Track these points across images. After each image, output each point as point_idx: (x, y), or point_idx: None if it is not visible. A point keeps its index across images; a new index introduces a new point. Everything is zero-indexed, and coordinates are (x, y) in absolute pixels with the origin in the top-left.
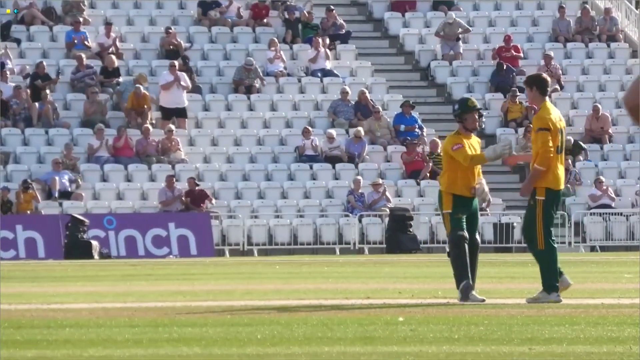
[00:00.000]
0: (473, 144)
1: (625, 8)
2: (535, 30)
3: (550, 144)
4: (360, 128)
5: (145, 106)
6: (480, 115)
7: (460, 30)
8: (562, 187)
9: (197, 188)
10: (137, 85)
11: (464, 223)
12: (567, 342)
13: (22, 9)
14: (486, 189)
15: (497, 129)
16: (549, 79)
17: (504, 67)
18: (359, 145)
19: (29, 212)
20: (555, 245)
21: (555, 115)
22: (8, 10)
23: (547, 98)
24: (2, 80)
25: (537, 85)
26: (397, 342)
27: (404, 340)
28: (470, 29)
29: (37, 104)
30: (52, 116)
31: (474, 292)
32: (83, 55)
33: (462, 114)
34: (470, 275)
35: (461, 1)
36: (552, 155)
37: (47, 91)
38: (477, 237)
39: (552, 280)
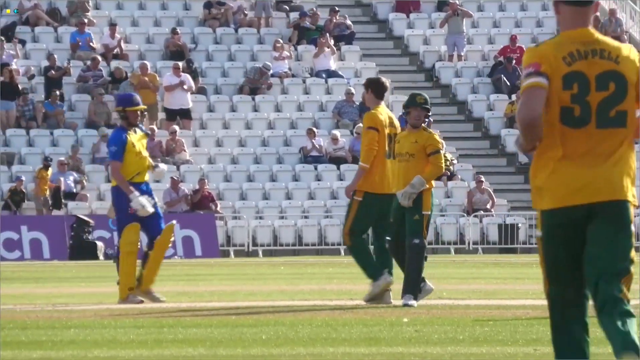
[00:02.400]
0: (409, 140)
1: (630, 9)
2: (539, 31)
3: (377, 144)
4: (362, 125)
5: (152, 83)
6: (427, 116)
7: (463, 25)
8: (388, 191)
9: (205, 189)
10: (143, 62)
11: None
12: None
13: (27, 9)
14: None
15: (502, 129)
16: (387, 84)
17: (507, 66)
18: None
19: (47, 192)
20: (363, 239)
21: (386, 120)
22: (8, 11)
23: (382, 102)
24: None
25: (373, 88)
26: (401, 343)
27: (409, 341)
28: (473, 14)
29: (45, 106)
30: (64, 118)
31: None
32: (98, 57)
33: (407, 107)
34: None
35: (466, 2)
36: (375, 153)
37: (57, 92)
38: (415, 239)
39: (371, 271)
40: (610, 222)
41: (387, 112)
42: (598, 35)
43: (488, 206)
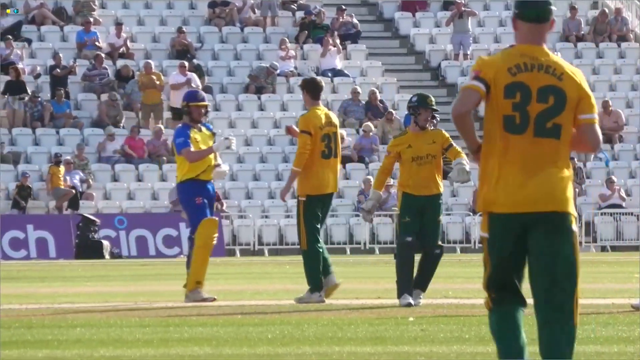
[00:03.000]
0: (425, 141)
1: (636, 8)
2: None
3: (309, 147)
4: (369, 123)
5: (158, 82)
6: (434, 117)
7: (469, 25)
8: (329, 191)
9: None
10: (147, 61)
11: (411, 227)
12: (578, 342)
13: (33, 9)
14: (465, 168)
15: None
16: (322, 84)
17: None
18: (369, 141)
19: (62, 185)
20: (320, 247)
21: (323, 121)
22: (8, 11)
23: (319, 103)
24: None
25: (308, 88)
26: (407, 342)
27: (415, 340)
28: (478, 13)
29: (52, 107)
30: (71, 118)
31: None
32: (103, 55)
33: (417, 107)
34: (411, 285)
35: (472, 1)
36: (307, 157)
37: (62, 91)
38: (438, 249)
39: (314, 280)
40: (552, 235)
41: (324, 112)
42: (549, 53)
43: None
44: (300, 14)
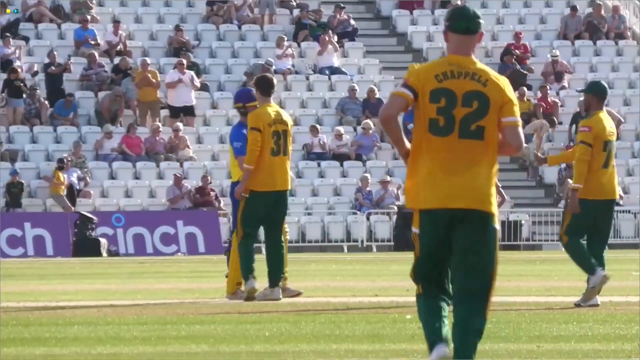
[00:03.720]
0: None
1: (634, 6)
2: (543, 27)
3: (259, 144)
4: (369, 121)
5: (154, 80)
6: None
7: None
8: (277, 188)
9: (208, 187)
10: (144, 59)
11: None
12: (575, 340)
13: (31, 6)
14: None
15: None
16: (274, 81)
17: (512, 64)
18: (369, 139)
19: (62, 193)
20: (248, 244)
21: (272, 118)
22: (8, 10)
23: (270, 99)
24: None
25: (259, 85)
26: (405, 340)
27: (412, 338)
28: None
29: (56, 110)
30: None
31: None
32: (95, 53)
33: None
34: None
35: (469, 0)
36: (257, 154)
37: (72, 97)
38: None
39: (245, 275)
40: (473, 233)
41: (275, 109)
42: (476, 62)
43: (497, 199)
44: (297, 12)
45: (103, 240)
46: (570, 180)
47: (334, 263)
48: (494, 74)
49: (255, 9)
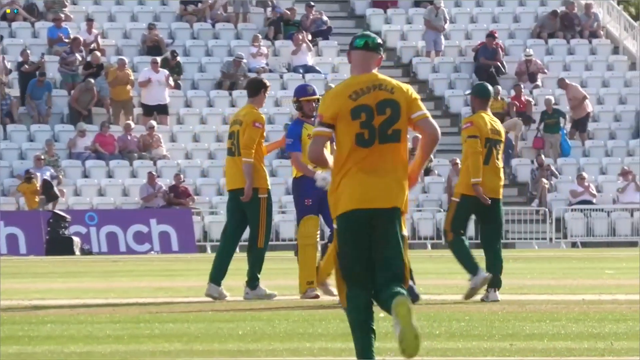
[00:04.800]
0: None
1: (607, 5)
2: (516, 26)
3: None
4: None
5: (129, 82)
6: (317, 100)
7: (444, 22)
8: (229, 187)
9: (181, 185)
10: (120, 57)
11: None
12: (548, 338)
13: (4, 5)
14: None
15: None
16: (262, 82)
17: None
18: None
19: (37, 204)
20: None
21: (232, 118)
22: (8, 10)
23: (255, 100)
24: None
25: (246, 88)
26: (378, 338)
27: (385, 336)
28: (450, 22)
29: (37, 107)
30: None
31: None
32: (67, 55)
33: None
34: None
35: None
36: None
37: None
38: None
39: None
40: (386, 225)
41: (241, 109)
42: (379, 75)
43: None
44: (271, 10)
45: (76, 239)
46: (544, 180)
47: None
48: (396, 81)
49: (229, 7)
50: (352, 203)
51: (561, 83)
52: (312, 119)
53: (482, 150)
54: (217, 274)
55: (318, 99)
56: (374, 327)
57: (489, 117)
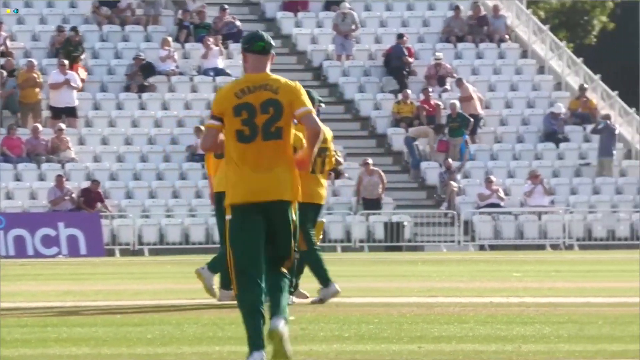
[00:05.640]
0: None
1: (516, 8)
2: (426, 30)
3: None
4: None
5: (38, 86)
6: (319, 111)
7: (353, 26)
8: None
9: (95, 190)
10: (30, 60)
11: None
12: (456, 341)
13: None
14: None
15: (388, 128)
16: None
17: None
18: None
19: None
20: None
21: None
22: (8, 10)
23: None
24: None
25: None
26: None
27: (295, 339)
28: (360, 26)
29: None
30: None
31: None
32: None
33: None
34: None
35: (353, 1)
36: None
37: None
38: None
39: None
40: (277, 218)
41: None
42: (270, 75)
43: (379, 189)
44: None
45: None
46: (453, 183)
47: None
48: (285, 81)
49: (137, 10)
50: (243, 196)
51: (458, 82)
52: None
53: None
54: (227, 280)
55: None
56: (264, 313)
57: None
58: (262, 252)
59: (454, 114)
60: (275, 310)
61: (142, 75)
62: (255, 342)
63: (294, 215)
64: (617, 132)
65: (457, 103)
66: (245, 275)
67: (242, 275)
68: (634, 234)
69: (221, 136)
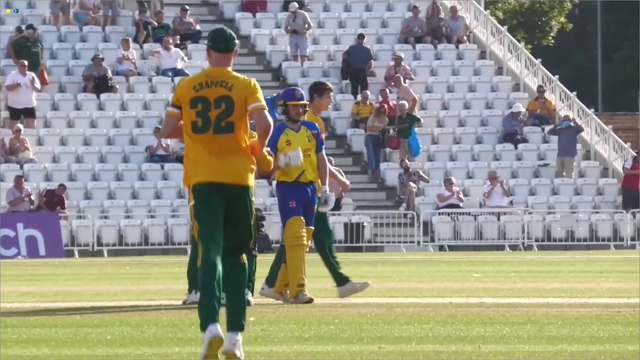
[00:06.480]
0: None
1: (474, 9)
2: (384, 31)
3: None
4: None
5: None
6: (304, 106)
7: (306, 26)
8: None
9: (61, 195)
10: None
11: None
12: (416, 341)
13: None
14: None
15: (348, 129)
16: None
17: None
18: None
19: None
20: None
21: None
22: (8, 10)
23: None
24: None
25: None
26: (248, 342)
27: (255, 340)
28: (312, 25)
29: None
30: None
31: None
32: None
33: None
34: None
35: (312, 2)
36: None
37: None
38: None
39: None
40: (236, 201)
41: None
42: (229, 72)
43: (339, 190)
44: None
45: None
46: (412, 184)
47: (177, 266)
48: (242, 78)
49: (97, 10)
50: (205, 176)
51: (396, 81)
52: (298, 123)
53: None
54: (271, 277)
55: (305, 104)
56: (220, 295)
57: None
58: (221, 231)
59: (403, 114)
60: (232, 321)
61: (97, 84)
62: (210, 319)
63: (252, 207)
64: (583, 132)
65: (406, 104)
66: (208, 249)
67: (205, 249)
68: (593, 235)
69: (181, 122)
